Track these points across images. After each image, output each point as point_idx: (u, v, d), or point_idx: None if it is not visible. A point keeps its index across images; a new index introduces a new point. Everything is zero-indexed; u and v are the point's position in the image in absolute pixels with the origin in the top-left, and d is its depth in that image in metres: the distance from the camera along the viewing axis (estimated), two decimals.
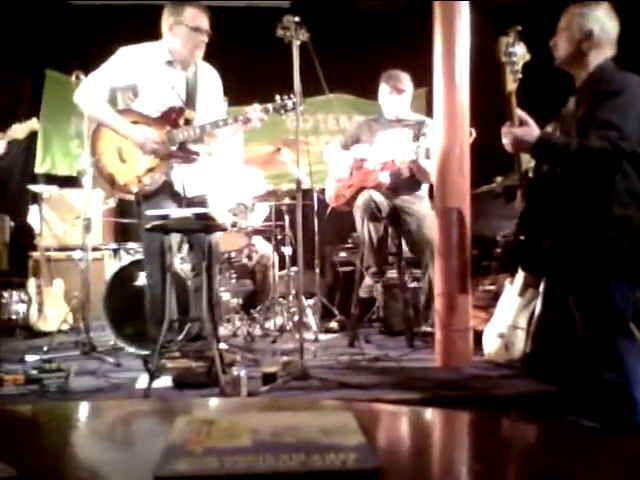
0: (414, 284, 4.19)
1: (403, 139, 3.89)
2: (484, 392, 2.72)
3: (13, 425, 0.79)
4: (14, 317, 4.90)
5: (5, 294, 4.90)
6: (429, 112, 3.87)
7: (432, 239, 3.44)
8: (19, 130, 3.85)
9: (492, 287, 3.91)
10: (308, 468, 0.48)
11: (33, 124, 3.94)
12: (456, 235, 3.23)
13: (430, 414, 0.81)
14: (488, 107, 2.52)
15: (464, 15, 3.26)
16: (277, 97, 3.23)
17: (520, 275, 3.09)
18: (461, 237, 3.24)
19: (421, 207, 3.88)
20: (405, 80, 3.95)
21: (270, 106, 3.23)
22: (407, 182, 3.93)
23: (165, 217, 2.92)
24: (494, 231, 4.27)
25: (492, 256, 4.22)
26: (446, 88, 3.26)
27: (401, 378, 2.92)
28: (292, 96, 3.19)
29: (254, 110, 3.24)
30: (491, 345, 3.16)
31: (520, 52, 2.39)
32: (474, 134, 3.42)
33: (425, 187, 4.01)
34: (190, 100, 3.32)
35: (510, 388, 2.77)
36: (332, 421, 0.58)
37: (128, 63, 3.22)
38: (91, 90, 3.22)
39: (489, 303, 3.65)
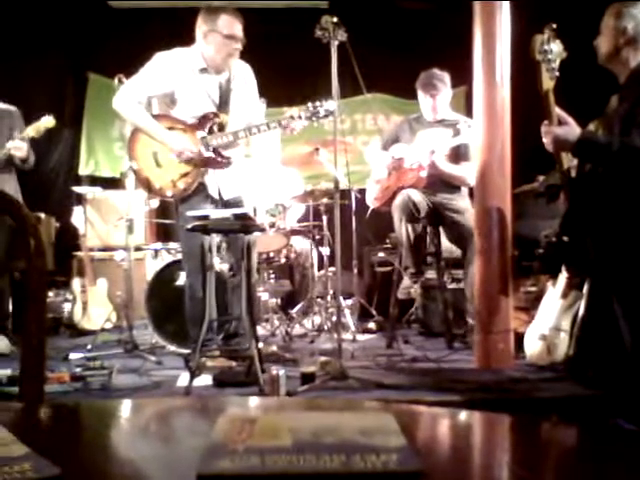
0: (453, 285, 4.15)
1: (443, 138, 3.86)
2: (525, 395, 2.68)
3: (57, 423, 0.80)
4: (59, 316, 5.03)
5: (50, 293, 5.03)
6: (468, 111, 3.83)
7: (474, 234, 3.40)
8: (32, 129, 3.91)
9: (534, 288, 3.85)
10: (349, 469, 0.48)
11: (48, 122, 3.97)
12: (497, 235, 3.19)
13: (471, 416, 0.80)
14: (531, 105, 2.47)
15: (504, 12, 3.22)
16: (309, 104, 3.23)
17: (563, 276, 3.03)
18: (502, 237, 3.19)
19: (462, 203, 3.85)
20: (440, 82, 3.90)
21: (303, 114, 3.23)
22: (446, 181, 3.89)
23: (205, 218, 2.96)
24: (536, 231, 4.18)
25: (534, 257, 4.14)
26: (486, 86, 3.22)
27: (440, 380, 2.90)
28: (324, 103, 3.19)
29: (292, 118, 3.24)
30: (533, 347, 3.11)
31: (556, 50, 2.35)
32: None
33: (465, 187, 3.97)
34: (223, 104, 3.36)
35: (552, 391, 2.72)
36: (372, 422, 0.58)
37: (165, 70, 3.27)
38: (129, 97, 3.29)
39: (531, 305, 3.59)
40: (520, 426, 0.77)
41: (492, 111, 3.22)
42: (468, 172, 3.67)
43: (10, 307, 4.38)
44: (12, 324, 4.41)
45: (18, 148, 3.89)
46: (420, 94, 3.97)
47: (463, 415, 0.81)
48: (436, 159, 3.75)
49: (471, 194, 3.71)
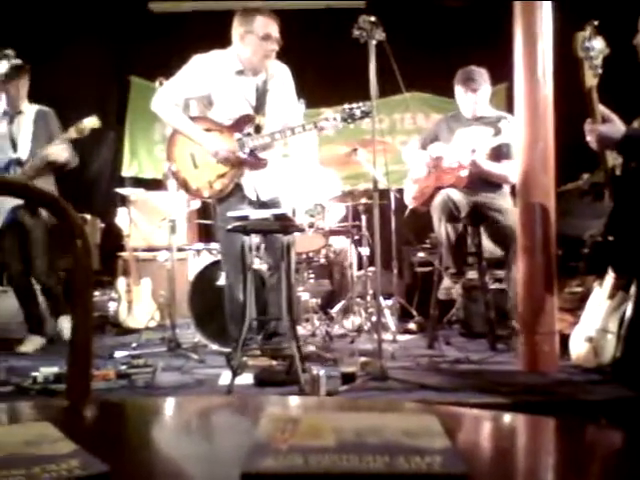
0: (495, 285, 4.09)
1: (483, 136, 3.81)
2: (571, 398, 2.62)
3: (103, 420, 0.82)
4: (104, 314, 5.14)
5: (96, 292, 5.14)
6: (509, 108, 3.77)
7: (516, 235, 3.35)
8: (75, 130, 3.90)
9: (579, 289, 3.76)
10: (393, 470, 0.48)
11: (92, 122, 3.94)
12: (540, 233, 3.13)
13: (515, 419, 0.79)
14: (575, 102, 2.42)
15: (546, 8, 3.15)
16: (345, 106, 3.22)
17: (609, 277, 2.95)
18: (545, 235, 3.13)
19: (503, 201, 3.79)
20: (480, 78, 3.85)
21: (339, 116, 3.22)
22: (486, 180, 3.84)
23: (245, 218, 2.99)
24: (581, 230, 4.09)
25: (579, 256, 4.05)
26: (528, 83, 3.17)
27: (483, 382, 2.85)
28: (360, 104, 3.17)
29: (327, 119, 3.24)
30: (579, 349, 3.04)
31: (598, 47, 2.30)
32: None
33: (506, 185, 3.90)
34: (260, 106, 3.38)
35: (599, 394, 2.66)
36: (416, 423, 0.58)
37: (201, 72, 3.31)
38: (166, 99, 3.34)
39: (576, 305, 3.51)
40: (565, 429, 0.75)
41: (534, 108, 3.16)
42: (510, 170, 3.61)
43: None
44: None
45: (57, 154, 3.89)
46: (459, 90, 3.92)
47: (507, 418, 0.79)
48: (477, 157, 3.70)
49: (513, 193, 3.65)
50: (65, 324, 4.11)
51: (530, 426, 0.77)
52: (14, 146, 3.97)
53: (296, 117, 3.51)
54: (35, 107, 4.11)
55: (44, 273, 4.10)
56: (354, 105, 3.20)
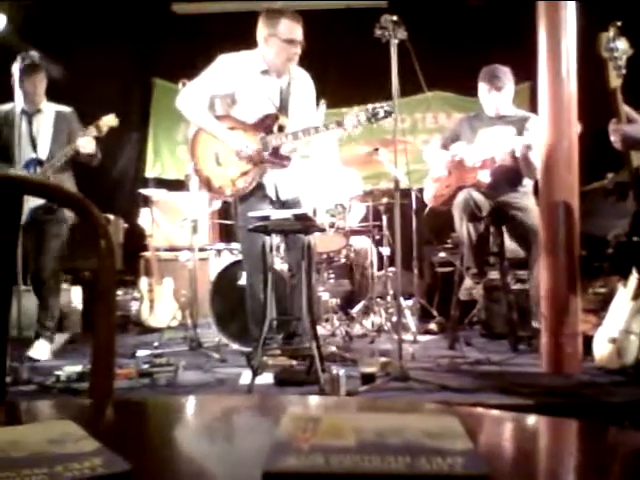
0: (517, 286, 4.05)
1: (505, 136, 3.77)
2: (594, 399, 2.59)
3: (126, 418, 0.82)
4: (127, 314, 5.20)
5: (119, 292, 5.19)
6: (533, 107, 3.73)
7: (539, 234, 3.31)
8: (95, 128, 3.86)
9: (603, 290, 3.71)
10: (414, 471, 0.48)
11: (110, 120, 3.91)
12: (563, 232, 3.10)
13: (537, 421, 0.78)
14: (599, 101, 2.40)
15: (570, 6, 3.12)
16: (369, 106, 3.21)
17: (634, 277, 2.91)
18: (569, 235, 3.10)
19: (525, 201, 3.75)
20: (504, 77, 3.82)
21: (362, 115, 3.22)
22: (508, 180, 3.80)
23: (266, 218, 3.00)
24: (605, 230, 4.05)
25: (603, 257, 4.00)
26: (551, 82, 3.13)
27: (505, 383, 2.83)
28: (384, 104, 3.17)
29: (350, 119, 3.24)
30: (602, 351, 3.00)
31: (622, 47, 2.27)
32: (579, 128, 3.27)
33: (528, 184, 3.86)
34: (283, 107, 3.40)
35: (622, 396, 2.62)
36: (437, 424, 0.58)
37: (227, 71, 3.34)
38: (192, 97, 3.37)
39: (600, 306, 3.47)
40: (588, 431, 0.74)
41: (558, 106, 3.13)
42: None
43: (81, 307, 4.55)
44: (82, 322, 4.58)
45: (88, 146, 3.83)
46: (483, 88, 3.88)
47: (529, 419, 0.79)
48: (531, 146, 3.61)
49: (536, 192, 3.62)
50: (41, 348, 3.81)
51: (552, 428, 0.76)
52: (34, 146, 3.92)
53: (317, 122, 3.51)
54: (55, 107, 4.08)
55: (51, 276, 3.91)
56: (377, 105, 3.19)
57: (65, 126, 4.02)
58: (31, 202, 3.74)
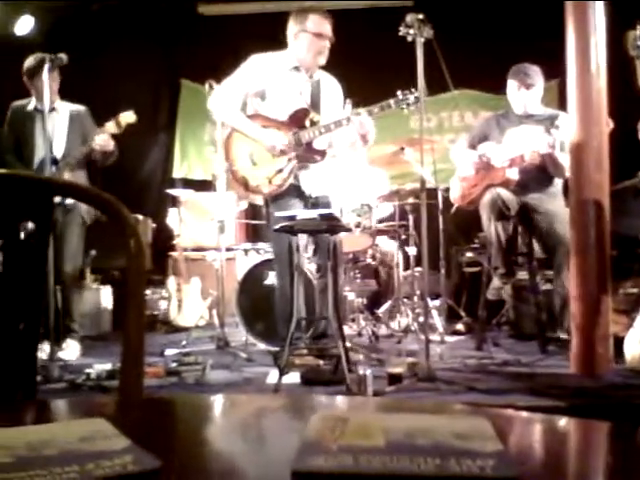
0: (547, 286, 4.00)
1: (534, 135, 3.73)
2: (625, 401, 2.54)
3: (155, 416, 0.83)
4: (155, 313, 5.25)
5: (148, 291, 5.25)
6: (561, 105, 3.68)
7: (566, 239, 3.27)
8: (113, 124, 3.81)
9: (634, 290, 3.64)
10: (444, 472, 0.47)
11: (128, 116, 3.86)
12: (593, 232, 3.04)
13: (567, 423, 0.77)
14: (631, 98, 2.35)
15: (598, 4, 3.07)
16: (398, 92, 3.22)
17: None
18: (599, 234, 3.04)
19: (553, 205, 3.69)
20: (534, 74, 3.78)
21: (392, 101, 3.22)
22: (537, 179, 3.75)
23: (293, 218, 3.01)
24: (636, 230, 3.97)
25: (634, 257, 3.92)
26: (580, 79, 3.08)
27: (534, 384, 2.79)
28: (413, 90, 3.16)
29: (382, 108, 3.24)
30: (633, 352, 2.94)
31: None
32: (611, 124, 3.21)
33: (558, 183, 3.81)
34: (315, 103, 3.42)
35: None
36: (467, 426, 0.57)
37: (258, 70, 3.37)
38: (224, 97, 3.40)
39: (631, 307, 3.40)
40: (619, 433, 0.73)
41: (587, 104, 3.08)
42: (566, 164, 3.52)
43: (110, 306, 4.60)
44: (112, 321, 4.64)
45: (106, 144, 3.79)
46: (512, 86, 3.84)
47: (559, 421, 0.77)
48: (556, 146, 3.58)
49: (565, 192, 3.56)
50: (71, 347, 3.83)
51: (582, 430, 0.75)
52: (49, 144, 3.79)
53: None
54: (69, 105, 4.03)
55: (71, 277, 3.90)
56: (407, 91, 3.20)
57: (79, 125, 3.99)
58: None
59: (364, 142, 3.38)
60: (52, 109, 3.93)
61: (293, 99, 3.38)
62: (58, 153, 3.89)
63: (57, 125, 3.95)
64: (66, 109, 4.02)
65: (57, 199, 3.52)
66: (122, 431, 0.59)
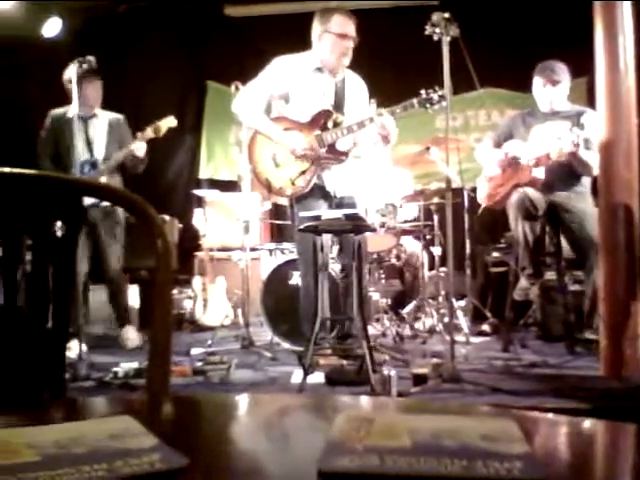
0: (575, 287, 3.94)
1: (560, 132, 3.67)
2: None
3: (181, 415, 0.84)
4: (181, 312, 5.30)
5: (174, 291, 5.30)
6: (590, 102, 3.62)
7: (596, 238, 3.22)
8: (152, 129, 4.02)
9: None
10: (471, 474, 0.47)
11: (169, 122, 4.07)
12: (623, 234, 2.99)
13: (595, 425, 0.75)
14: None
15: (626, 2, 3.01)
16: (422, 91, 3.20)
17: None
18: (628, 236, 2.99)
19: (581, 203, 3.64)
20: (561, 71, 3.73)
21: (415, 101, 3.21)
22: (564, 177, 3.70)
23: (317, 218, 3.01)
24: None
25: None
26: (609, 78, 3.04)
27: (561, 386, 2.75)
28: (437, 89, 3.14)
29: (405, 107, 3.23)
30: None
31: None
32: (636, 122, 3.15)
33: (586, 182, 3.75)
34: (338, 105, 3.41)
35: None
36: (494, 427, 0.56)
37: (282, 72, 3.37)
38: (248, 100, 3.42)
39: None
40: None
41: (615, 102, 3.03)
42: (594, 162, 3.47)
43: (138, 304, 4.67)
44: (139, 320, 4.69)
45: (140, 148, 4.01)
46: (538, 82, 3.80)
47: (586, 423, 0.76)
48: (580, 144, 3.53)
49: (594, 191, 3.51)
50: (130, 334, 4.19)
51: (611, 432, 0.74)
52: (90, 149, 4.11)
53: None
54: (108, 114, 4.27)
55: (117, 276, 4.20)
56: (430, 90, 3.18)
57: (117, 132, 4.22)
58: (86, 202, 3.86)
59: (385, 142, 3.37)
60: (93, 115, 4.18)
61: (316, 100, 3.38)
62: (99, 157, 4.12)
63: (98, 130, 4.17)
64: (105, 117, 4.24)
65: (95, 202, 3.64)
66: (149, 429, 0.59)
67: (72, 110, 3.71)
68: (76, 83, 3.59)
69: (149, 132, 4.01)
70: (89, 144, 4.11)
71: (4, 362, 1.02)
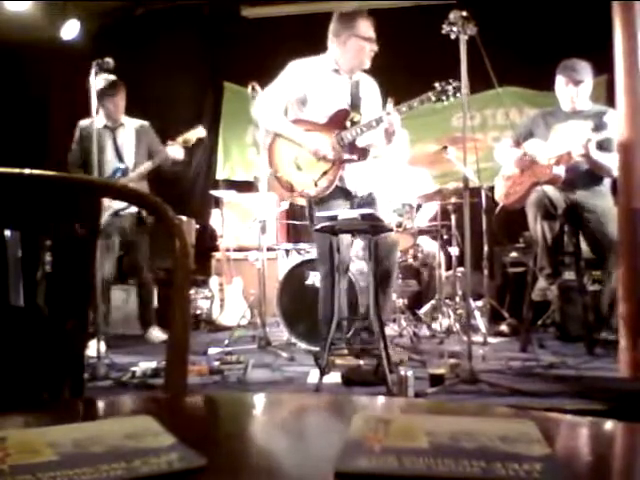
0: (594, 287, 3.89)
1: (582, 131, 3.64)
2: None
3: (199, 414, 0.84)
4: (199, 312, 5.32)
5: (191, 291, 5.33)
6: (610, 101, 3.58)
7: (616, 238, 3.18)
8: (183, 139, 4.23)
9: None
10: (490, 476, 0.47)
11: (199, 132, 4.29)
12: None
13: (615, 427, 0.75)
14: None
15: None
16: (436, 84, 3.18)
17: None
18: None
19: (602, 203, 3.60)
20: (583, 70, 3.69)
21: (431, 94, 3.18)
22: (585, 176, 3.66)
23: (334, 218, 3.00)
24: None
25: None
26: (628, 75, 3.00)
27: (580, 387, 2.73)
28: (451, 81, 3.12)
29: (422, 101, 3.20)
30: None
31: None
32: None
33: (607, 182, 3.71)
34: (355, 104, 3.40)
35: None
36: (513, 429, 0.56)
37: (298, 76, 3.37)
38: (266, 105, 3.42)
39: None
40: None
41: (635, 104, 2.99)
42: (613, 163, 3.43)
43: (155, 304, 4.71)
44: (156, 319, 4.72)
45: (178, 153, 4.25)
46: (560, 81, 3.76)
47: (606, 425, 0.75)
48: (591, 147, 3.51)
49: (614, 190, 3.47)
50: (155, 334, 4.40)
51: (630, 434, 0.73)
52: (119, 157, 4.30)
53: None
54: (134, 121, 4.44)
55: (145, 277, 4.45)
56: (444, 82, 3.15)
57: (145, 138, 4.40)
58: (115, 205, 4.03)
59: (388, 142, 3.35)
60: (119, 125, 4.39)
61: (334, 101, 3.37)
62: (129, 165, 4.32)
63: (125, 140, 4.37)
64: (131, 124, 4.43)
65: (124, 206, 3.78)
66: (167, 428, 0.60)
67: (99, 121, 3.85)
68: (98, 98, 3.68)
69: (179, 141, 4.22)
70: (118, 153, 4.32)
71: (25, 362, 1.03)
